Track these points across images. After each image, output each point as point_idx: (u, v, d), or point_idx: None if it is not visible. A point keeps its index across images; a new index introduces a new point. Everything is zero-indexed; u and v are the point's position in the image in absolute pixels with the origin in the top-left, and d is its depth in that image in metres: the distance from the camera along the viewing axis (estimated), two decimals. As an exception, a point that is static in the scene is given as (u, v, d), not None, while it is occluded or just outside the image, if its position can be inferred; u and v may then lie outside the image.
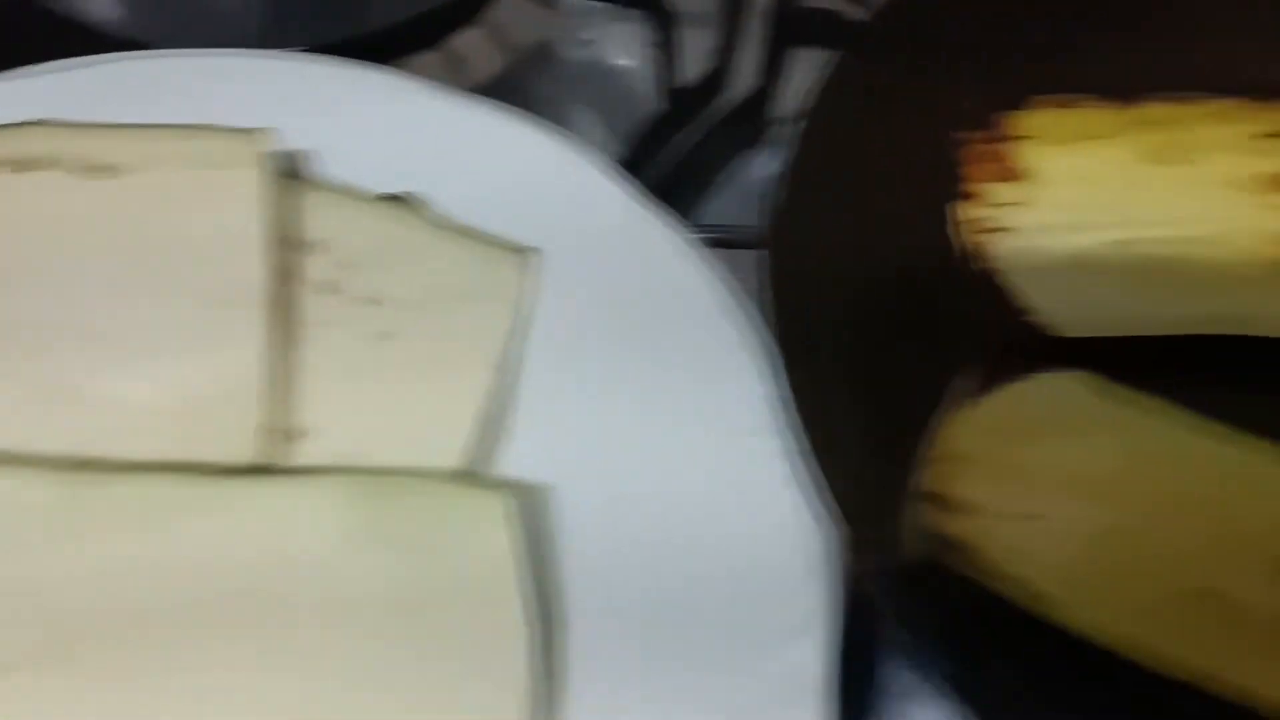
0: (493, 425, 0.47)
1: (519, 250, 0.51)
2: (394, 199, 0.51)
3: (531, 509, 0.45)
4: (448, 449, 0.46)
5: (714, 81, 0.69)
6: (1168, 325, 0.50)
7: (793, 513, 0.43)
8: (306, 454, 0.43)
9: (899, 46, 0.54)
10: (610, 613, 0.42)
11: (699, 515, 0.45)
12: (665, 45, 0.68)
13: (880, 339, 0.50)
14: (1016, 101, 0.57)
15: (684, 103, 0.68)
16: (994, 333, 0.51)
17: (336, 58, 0.55)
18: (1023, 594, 0.44)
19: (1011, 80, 0.57)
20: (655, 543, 0.45)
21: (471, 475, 0.46)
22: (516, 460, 0.47)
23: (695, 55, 0.71)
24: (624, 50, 0.71)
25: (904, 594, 0.40)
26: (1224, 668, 0.44)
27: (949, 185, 0.55)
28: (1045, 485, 0.47)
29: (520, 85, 0.72)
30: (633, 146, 0.66)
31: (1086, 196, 0.54)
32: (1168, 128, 0.56)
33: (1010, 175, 0.55)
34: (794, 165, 0.49)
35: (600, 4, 0.70)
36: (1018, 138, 0.57)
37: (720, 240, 0.55)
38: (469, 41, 0.74)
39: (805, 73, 0.63)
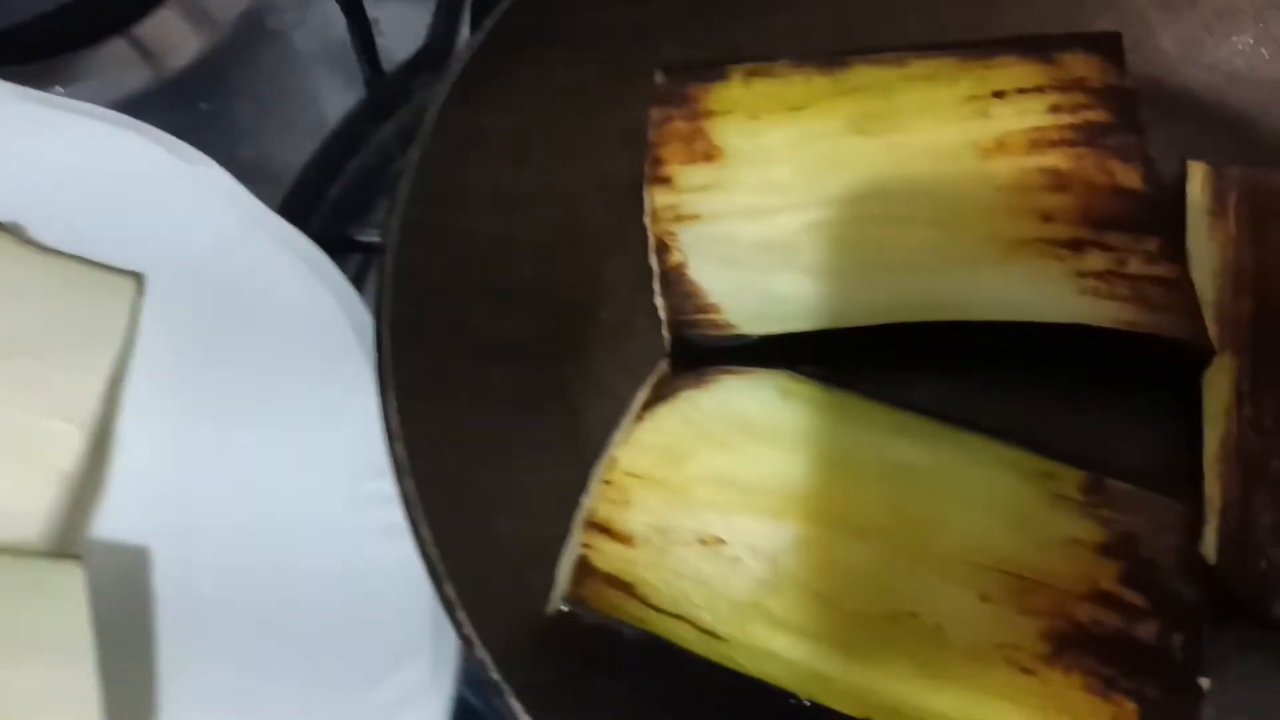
0: (89, 483, 0.42)
1: (123, 279, 0.44)
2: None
3: (126, 566, 0.42)
4: (31, 518, 0.40)
5: (425, 62, 0.62)
6: (869, 314, 0.45)
7: (396, 560, 0.37)
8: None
9: (539, 31, 0.47)
10: (222, 654, 0.40)
11: (306, 558, 0.42)
12: (362, 26, 0.60)
13: (523, 358, 0.44)
14: (708, 73, 0.51)
15: (387, 91, 0.61)
16: (676, 336, 0.45)
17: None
18: (690, 636, 0.39)
19: (700, 47, 0.51)
20: (263, 584, 0.42)
21: (56, 545, 0.42)
22: (115, 513, 0.43)
23: (407, 34, 0.64)
24: (326, 31, 0.64)
25: (515, 663, 0.33)
26: (922, 699, 0.39)
27: (620, 174, 0.49)
28: (724, 505, 0.42)
29: (221, 74, 0.65)
30: (326, 147, 0.58)
31: (785, 175, 0.49)
32: (876, 93, 0.51)
33: (703, 156, 0.49)
34: (420, 166, 0.42)
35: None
36: (711, 113, 0.50)
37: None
38: (161, 24, 0.66)
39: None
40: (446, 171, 0.43)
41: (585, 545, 0.40)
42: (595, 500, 0.41)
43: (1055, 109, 0.50)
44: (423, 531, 0.34)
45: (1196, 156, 0.51)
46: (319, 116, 0.63)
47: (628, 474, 0.42)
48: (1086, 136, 0.49)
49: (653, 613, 0.39)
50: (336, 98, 0.62)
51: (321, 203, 0.57)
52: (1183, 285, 0.46)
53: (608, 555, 0.40)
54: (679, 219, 0.48)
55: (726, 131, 0.50)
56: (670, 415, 0.43)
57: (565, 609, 0.39)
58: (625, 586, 0.39)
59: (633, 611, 0.39)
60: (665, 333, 0.46)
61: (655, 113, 0.50)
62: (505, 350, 0.43)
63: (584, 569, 0.39)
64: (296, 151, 0.58)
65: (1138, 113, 0.50)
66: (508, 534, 0.39)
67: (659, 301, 0.46)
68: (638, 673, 0.38)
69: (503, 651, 0.34)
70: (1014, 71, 0.51)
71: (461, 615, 0.33)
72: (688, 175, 0.49)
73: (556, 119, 0.48)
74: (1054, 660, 0.39)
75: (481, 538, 0.37)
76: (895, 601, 0.40)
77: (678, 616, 0.39)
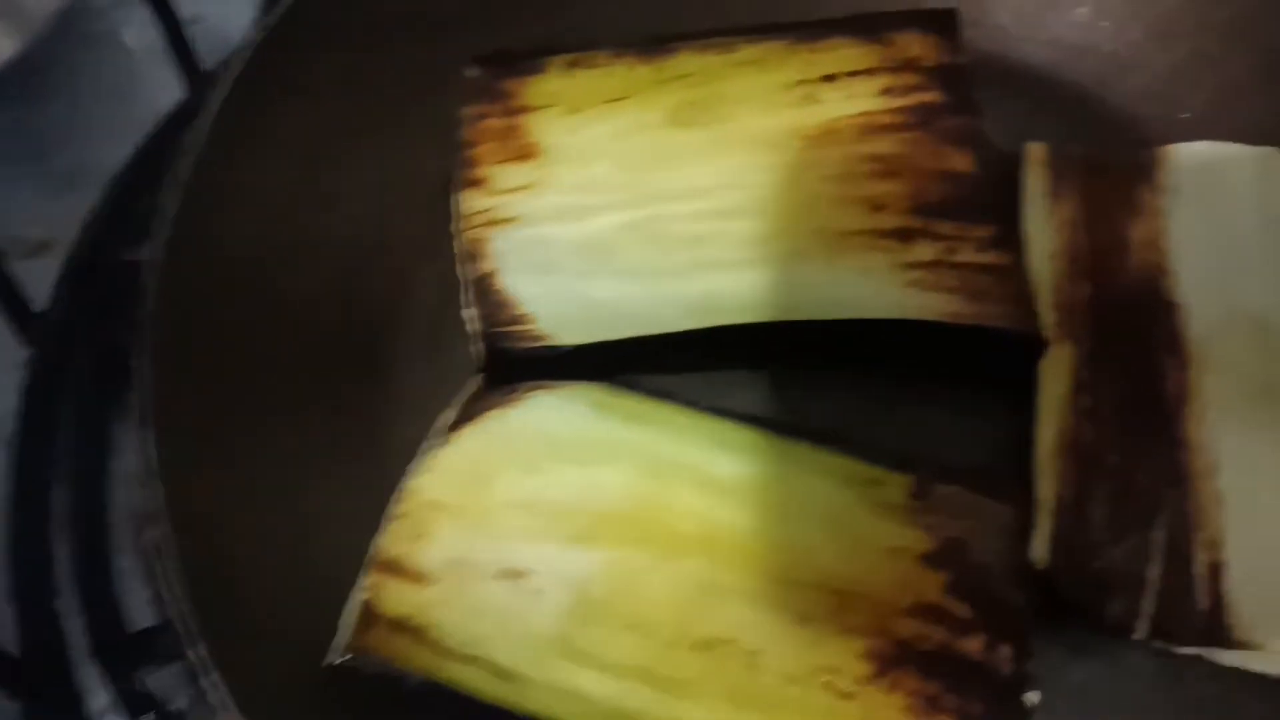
0: None
1: None
2: None
3: None
4: None
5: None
6: (689, 318, 0.43)
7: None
8: None
9: (336, 19, 0.44)
10: None
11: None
12: (170, 22, 0.56)
13: (315, 380, 0.41)
14: (525, 64, 0.48)
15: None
16: (488, 350, 0.42)
17: None
18: (483, 681, 0.36)
19: (517, 36, 0.48)
20: None
21: None
22: None
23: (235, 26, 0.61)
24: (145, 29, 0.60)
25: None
26: None
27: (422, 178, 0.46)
28: (529, 533, 0.39)
29: (37, 74, 0.61)
30: (142, 152, 0.55)
31: (605, 172, 0.46)
32: (700, 81, 0.48)
33: (519, 154, 0.47)
34: (196, 172, 0.39)
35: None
36: (528, 108, 0.48)
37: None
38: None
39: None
40: (225, 176, 0.40)
41: (371, 587, 0.37)
42: (387, 536, 0.38)
43: (887, 92, 0.47)
44: (174, 588, 0.31)
45: (1036, 136, 0.49)
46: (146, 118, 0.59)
47: (424, 504, 0.39)
48: (918, 120, 0.47)
49: (443, 657, 0.36)
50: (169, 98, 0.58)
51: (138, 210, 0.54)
52: (1015, 273, 0.44)
53: (396, 597, 0.37)
54: (492, 223, 0.45)
55: (545, 127, 0.47)
56: (474, 437, 0.41)
57: (344, 660, 0.36)
58: (414, 631, 0.37)
59: (421, 657, 0.36)
60: (476, 346, 0.43)
61: (467, 109, 0.47)
62: (293, 371, 0.40)
63: (368, 614, 0.37)
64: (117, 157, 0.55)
65: (972, 93, 0.47)
66: (289, 579, 0.36)
67: (470, 313, 0.43)
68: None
69: (267, 714, 0.31)
70: (845, 54, 0.48)
71: (213, 679, 0.30)
72: (503, 176, 0.46)
73: (358, 116, 0.45)
74: (875, 681, 0.37)
75: (253, 587, 0.34)
76: (710, 628, 0.38)
77: (471, 659, 0.36)
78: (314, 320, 0.41)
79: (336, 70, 0.44)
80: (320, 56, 0.43)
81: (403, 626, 0.37)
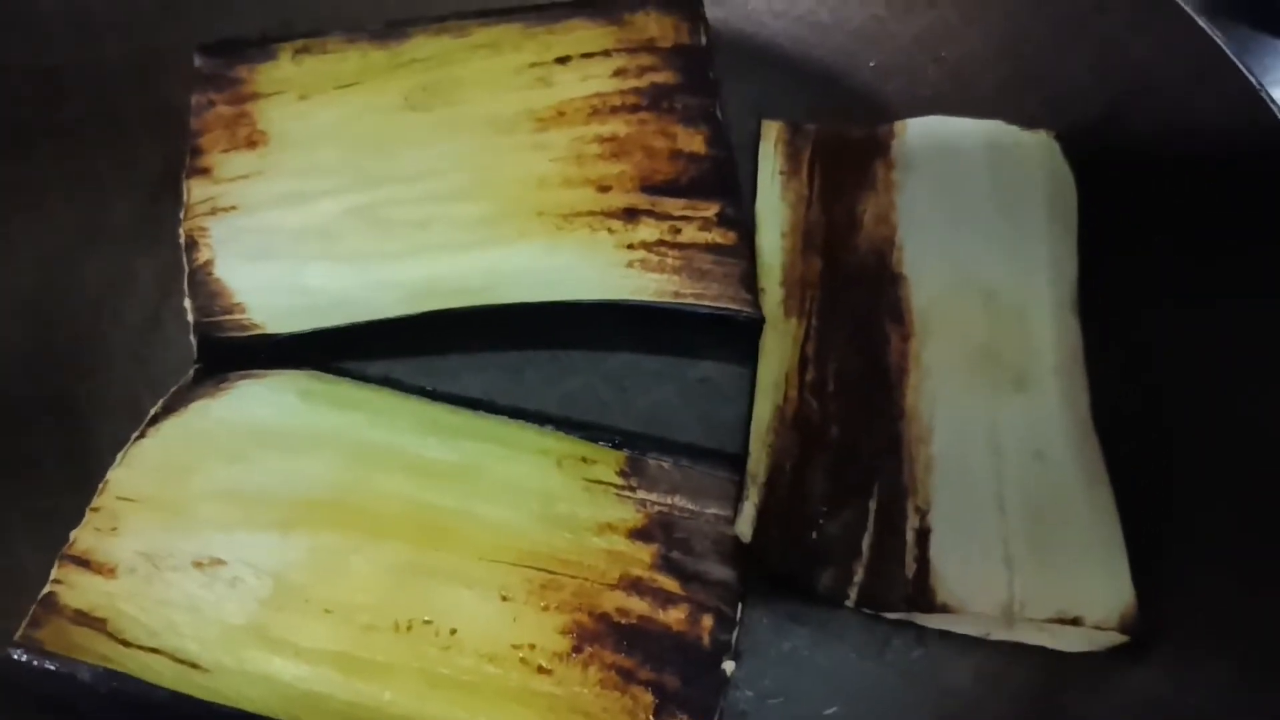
0: None
1: None
2: None
3: None
4: None
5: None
6: (410, 303, 0.42)
7: None
8: None
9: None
10: None
11: None
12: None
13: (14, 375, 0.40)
14: (255, 52, 0.47)
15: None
16: (201, 339, 0.41)
17: None
18: (167, 670, 0.36)
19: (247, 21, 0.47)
20: None
21: None
22: None
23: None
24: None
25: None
26: (426, 712, 0.36)
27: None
28: (227, 522, 0.39)
29: None
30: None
31: (331, 157, 0.46)
32: (434, 65, 0.48)
33: (246, 142, 0.46)
34: None
35: None
36: (257, 95, 0.47)
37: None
38: None
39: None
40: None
41: (56, 581, 0.37)
42: (80, 530, 0.38)
43: (620, 73, 0.48)
44: None
45: (779, 114, 0.50)
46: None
47: (120, 498, 0.38)
48: (651, 100, 0.47)
49: (124, 649, 0.36)
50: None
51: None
52: (737, 251, 0.44)
53: (81, 590, 0.37)
54: (214, 211, 0.45)
55: (273, 114, 0.47)
56: (175, 429, 0.40)
57: (15, 655, 0.35)
58: (96, 622, 0.36)
59: (99, 649, 0.36)
60: (192, 337, 0.42)
61: (196, 98, 0.47)
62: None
63: (48, 607, 0.36)
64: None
65: (708, 72, 0.48)
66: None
67: (187, 304, 0.42)
68: (99, 718, 0.35)
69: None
70: (581, 35, 0.48)
71: None
72: (228, 164, 0.46)
73: (68, 106, 0.44)
74: (573, 656, 0.37)
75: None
76: (410, 610, 0.38)
77: (154, 650, 0.36)
78: (16, 316, 0.40)
79: (34, 63, 0.42)
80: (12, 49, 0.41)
81: (83, 618, 0.36)
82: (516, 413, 0.43)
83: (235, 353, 0.42)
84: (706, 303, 0.43)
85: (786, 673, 0.40)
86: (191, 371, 0.42)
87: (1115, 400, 0.42)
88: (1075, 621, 0.39)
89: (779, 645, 0.40)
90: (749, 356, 0.44)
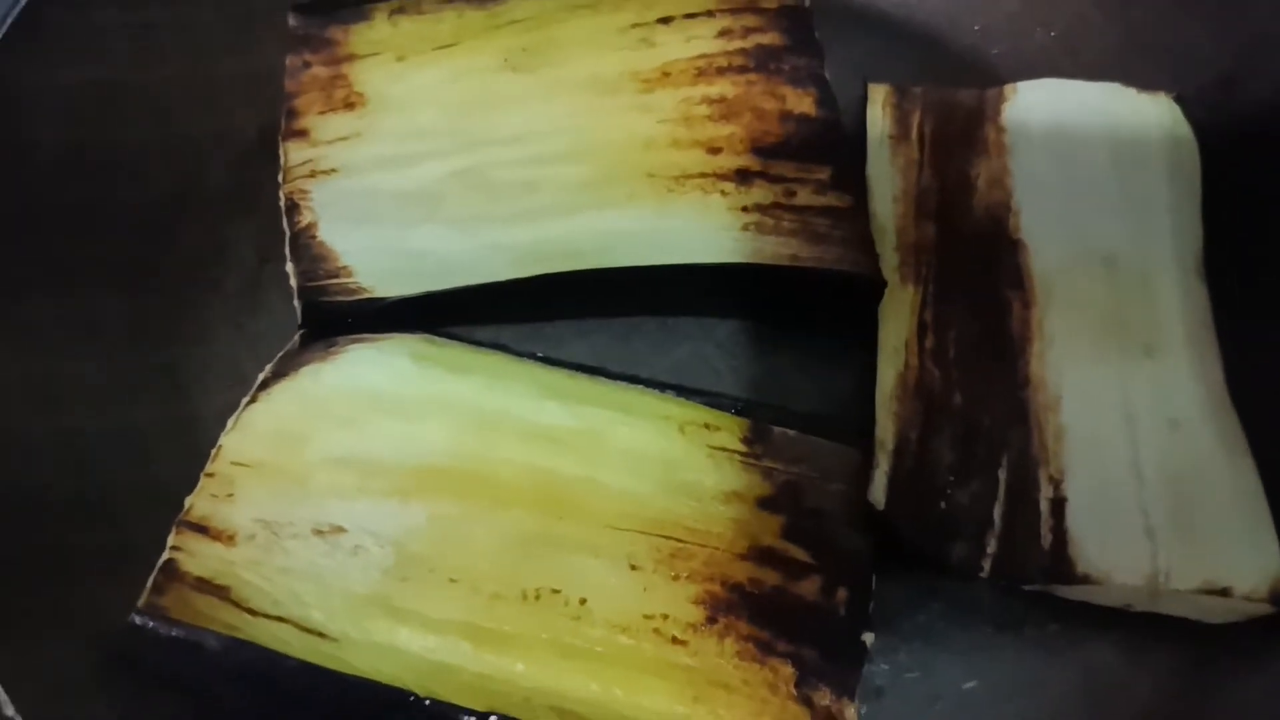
0: None
1: None
2: None
3: None
4: None
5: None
6: (517, 266, 0.41)
7: None
8: None
9: None
10: None
11: None
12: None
13: (116, 342, 0.38)
14: (349, 12, 0.46)
15: None
16: (306, 305, 0.40)
17: None
18: (293, 639, 0.34)
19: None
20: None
21: None
22: None
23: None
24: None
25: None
26: (558, 683, 0.35)
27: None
28: (345, 490, 0.37)
29: None
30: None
31: (431, 120, 0.44)
32: (534, 26, 0.47)
33: (344, 104, 0.44)
34: None
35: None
36: (353, 57, 0.45)
37: None
38: None
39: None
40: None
41: (175, 548, 0.35)
42: (195, 496, 0.36)
43: (725, 33, 0.46)
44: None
45: (882, 78, 0.48)
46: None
47: (234, 464, 0.37)
48: (757, 61, 0.46)
49: (249, 617, 0.34)
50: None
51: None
52: (854, 215, 0.42)
53: (202, 557, 0.35)
54: (314, 175, 0.43)
55: (370, 76, 0.45)
56: (287, 394, 0.39)
57: (139, 623, 0.33)
58: (219, 590, 0.35)
59: (224, 618, 0.34)
60: (296, 302, 0.41)
61: (290, 59, 0.45)
62: (89, 334, 0.37)
63: (169, 575, 0.35)
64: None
65: (813, 34, 0.46)
66: (80, 547, 0.34)
67: (289, 268, 0.41)
68: (225, 691, 0.33)
69: (41, 691, 0.28)
70: (682, -4, 0.47)
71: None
72: (326, 126, 0.44)
73: (159, 69, 0.42)
74: (707, 627, 0.36)
75: (36, 558, 0.32)
76: (536, 578, 0.36)
77: (280, 619, 0.35)
78: (115, 282, 0.39)
79: (130, 19, 0.41)
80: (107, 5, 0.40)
81: (205, 586, 0.35)
82: (630, 379, 0.41)
83: (339, 317, 0.41)
84: (828, 266, 0.41)
85: (922, 646, 0.38)
86: (297, 336, 0.41)
87: (1251, 369, 0.40)
88: (1224, 593, 0.37)
89: (913, 618, 0.39)
90: (861, 325, 0.43)
